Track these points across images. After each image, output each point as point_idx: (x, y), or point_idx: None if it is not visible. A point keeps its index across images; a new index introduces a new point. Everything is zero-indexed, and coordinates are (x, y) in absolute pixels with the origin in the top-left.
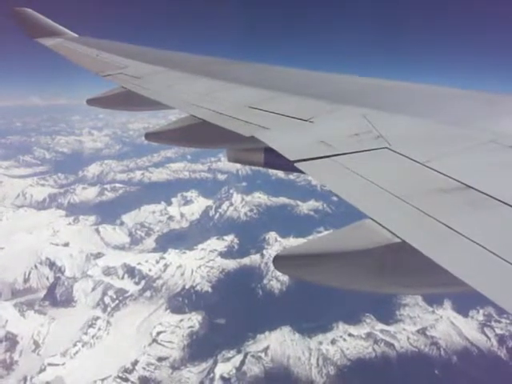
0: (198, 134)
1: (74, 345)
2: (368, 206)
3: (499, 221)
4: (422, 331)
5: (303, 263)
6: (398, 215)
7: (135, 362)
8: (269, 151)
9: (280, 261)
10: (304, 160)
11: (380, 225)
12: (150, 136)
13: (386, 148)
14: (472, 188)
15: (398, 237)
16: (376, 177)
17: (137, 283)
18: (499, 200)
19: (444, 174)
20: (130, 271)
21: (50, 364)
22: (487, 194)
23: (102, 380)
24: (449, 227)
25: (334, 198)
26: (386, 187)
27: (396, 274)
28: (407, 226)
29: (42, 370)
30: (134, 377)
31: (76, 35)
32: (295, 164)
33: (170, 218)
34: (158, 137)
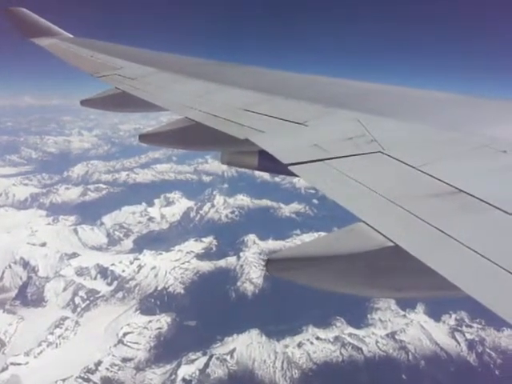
0: (192, 137)
1: (39, 344)
2: (361, 209)
3: (491, 225)
4: (392, 335)
5: (296, 266)
6: (391, 219)
7: (99, 363)
8: (263, 154)
9: (273, 264)
10: (298, 163)
11: (373, 228)
12: (143, 138)
13: (380, 152)
14: (464, 192)
15: (390, 240)
16: (369, 180)
17: (109, 284)
18: (491, 204)
19: (437, 178)
20: (103, 272)
21: (12, 363)
22: (479, 199)
23: (64, 380)
24: (441, 231)
25: (316, 201)
26: (379, 191)
27: (388, 277)
28: (400, 229)
29: (4, 369)
30: (96, 377)
31: (71, 36)
32: (289, 167)
33: (150, 219)
34: (151, 139)
